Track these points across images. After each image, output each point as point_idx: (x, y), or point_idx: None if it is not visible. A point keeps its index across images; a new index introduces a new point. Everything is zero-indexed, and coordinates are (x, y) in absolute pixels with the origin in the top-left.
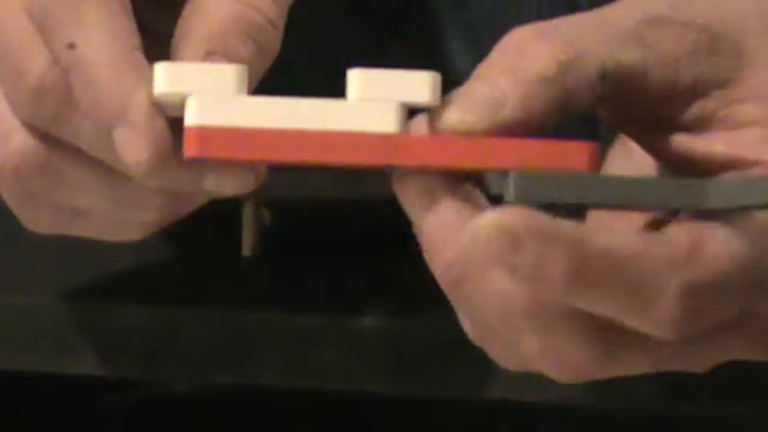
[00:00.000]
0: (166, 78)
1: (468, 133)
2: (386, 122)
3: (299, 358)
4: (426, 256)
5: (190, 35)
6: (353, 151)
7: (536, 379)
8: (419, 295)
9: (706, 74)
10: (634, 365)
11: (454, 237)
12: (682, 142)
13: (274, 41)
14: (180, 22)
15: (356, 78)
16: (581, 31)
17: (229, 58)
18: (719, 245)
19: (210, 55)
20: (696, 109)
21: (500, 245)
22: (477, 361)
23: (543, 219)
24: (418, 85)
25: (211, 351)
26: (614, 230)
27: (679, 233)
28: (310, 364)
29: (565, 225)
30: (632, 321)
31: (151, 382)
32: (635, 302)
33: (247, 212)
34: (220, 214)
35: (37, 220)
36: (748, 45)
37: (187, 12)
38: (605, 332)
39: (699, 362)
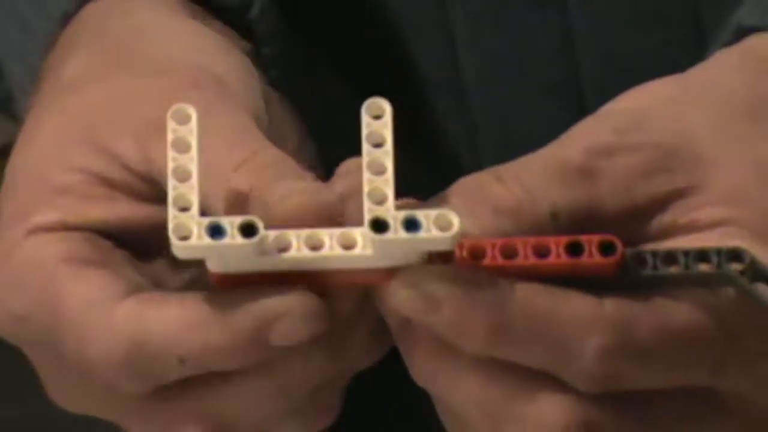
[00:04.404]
0: None
1: None
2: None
3: None
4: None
5: None
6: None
7: None
8: None
9: (662, 190)
10: None
11: None
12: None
13: None
14: None
15: (371, 242)
16: (533, 172)
17: None
18: (645, 313)
19: None
20: (657, 222)
21: (418, 309)
22: None
23: (462, 276)
24: (439, 243)
25: None
26: (536, 285)
27: (607, 297)
28: None
29: (485, 280)
30: (558, 373)
31: None
32: (556, 357)
33: None
34: None
35: None
36: (706, 153)
37: None
38: (584, 406)
39: None
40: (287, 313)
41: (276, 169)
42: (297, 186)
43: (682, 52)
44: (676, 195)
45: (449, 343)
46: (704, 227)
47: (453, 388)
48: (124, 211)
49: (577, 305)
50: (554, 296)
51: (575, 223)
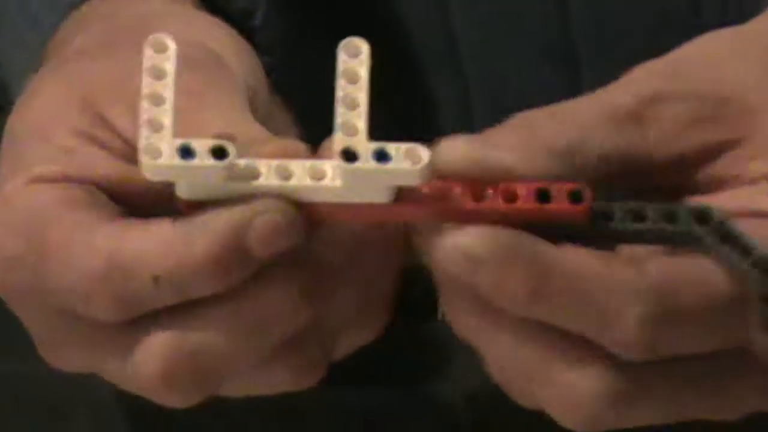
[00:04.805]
0: None
1: None
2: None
3: None
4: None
5: None
6: (344, 215)
7: None
8: None
9: (712, 139)
10: (650, 412)
11: None
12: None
13: None
14: None
15: (341, 172)
16: (584, 114)
17: None
18: (687, 279)
19: None
20: (707, 172)
21: (461, 267)
22: None
23: (506, 237)
24: (407, 176)
25: None
26: (579, 249)
27: (649, 263)
28: None
29: (528, 243)
30: (596, 339)
31: None
32: (596, 322)
33: None
34: None
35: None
36: (753, 103)
37: None
38: (617, 374)
39: (727, 407)
40: (264, 210)
41: (260, 144)
42: (273, 144)
43: (677, 15)
44: (728, 145)
45: (490, 301)
46: (750, 181)
47: (492, 346)
48: (124, 171)
49: (619, 270)
50: (596, 260)
51: (623, 168)
